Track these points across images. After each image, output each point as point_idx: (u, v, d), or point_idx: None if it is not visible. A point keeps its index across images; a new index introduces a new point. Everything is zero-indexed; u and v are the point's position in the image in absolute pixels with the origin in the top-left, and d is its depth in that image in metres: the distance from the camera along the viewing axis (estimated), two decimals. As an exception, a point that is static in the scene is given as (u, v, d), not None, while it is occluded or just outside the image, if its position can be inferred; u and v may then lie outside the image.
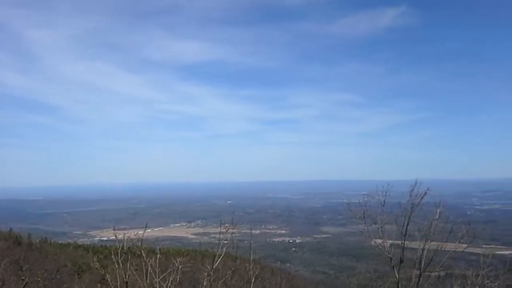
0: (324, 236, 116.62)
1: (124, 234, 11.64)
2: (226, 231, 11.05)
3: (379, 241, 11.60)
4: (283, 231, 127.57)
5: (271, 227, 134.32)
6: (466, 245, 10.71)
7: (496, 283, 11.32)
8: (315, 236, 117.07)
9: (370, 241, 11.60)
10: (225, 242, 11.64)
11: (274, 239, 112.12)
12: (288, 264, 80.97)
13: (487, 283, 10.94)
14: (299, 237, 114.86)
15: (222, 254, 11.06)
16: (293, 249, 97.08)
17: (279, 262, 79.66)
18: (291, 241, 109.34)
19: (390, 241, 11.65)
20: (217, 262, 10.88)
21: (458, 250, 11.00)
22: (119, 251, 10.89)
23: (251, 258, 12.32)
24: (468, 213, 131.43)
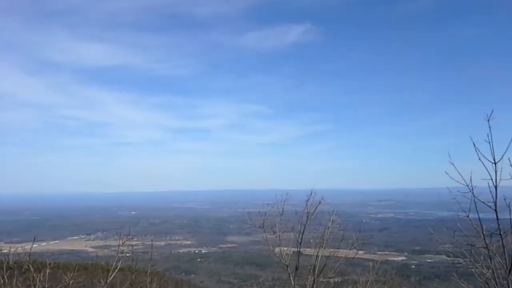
0: (230, 245, 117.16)
1: (10, 248, 10.82)
2: (123, 243, 10.69)
3: (278, 249, 11.91)
4: (189, 242, 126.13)
5: (176, 238, 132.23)
6: (356, 252, 11.36)
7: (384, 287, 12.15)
8: (221, 246, 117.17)
9: (270, 250, 11.86)
10: (127, 255, 11.28)
11: (179, 250, 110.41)
12: (193, 275, 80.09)
13: (376, 287, 11.69)
14: (205, 247, 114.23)
15: (118, 267, 10.67)
16: (199, 259, 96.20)
17: (183, 274, 78.62)
18: (196, 251, 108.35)
19: (287, 249, 11.99)
20: (112, 276, 10.48)
21: (350, 256, 11.63)
22: (4, 266, 10.12)
23: (149, 271, 12.02)
24: (364, 221, 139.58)
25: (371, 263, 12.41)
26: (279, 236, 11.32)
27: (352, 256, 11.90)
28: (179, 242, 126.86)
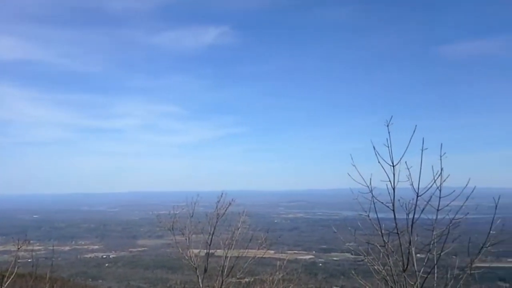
0: (140, 249, 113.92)
1: None
2: (19, 247, 9.96)
3: (188, 251, 11.75)
4: (97, 246, 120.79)
5: (83, 243, 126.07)
6: (265, 251, 11.52)
7: (291, 286, 12.46)
8: (130, 249, 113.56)
9: (179, 252, 11.67)
10: (28, 260, 10.58)
11: (86, 255, 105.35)
12: (101, 281, 76.79)
13: (283, 286, 11.95)
14: (113, 251, 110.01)
15: (14, 273, 9.91)
16: (107, 264, 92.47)
17: (90, 280, 75.12)
18: (104, 256, 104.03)
19: (199, 251, 11.88)
20: (7, 282, 9.71)
21: (258, 256, 11.78)
22: None
23: (48, 276, 11.31)
24: (276, 221, 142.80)
25: (278, 262, 12.65)
26: (189, 238, 11.18)
27: (261, 255, 12.06)
28: (85, 246, 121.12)
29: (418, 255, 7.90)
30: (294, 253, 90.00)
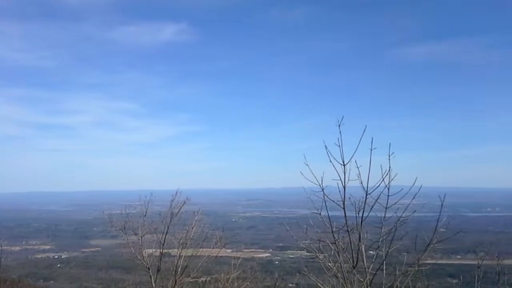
0: (93, 249, 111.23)
1: None
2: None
3: (141, 251, 11.57)
4: (48, 247, 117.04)
5: (34, 243, 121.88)
6: (219, 250, 11.51)
7: (245, 284, 12.50)
8: (83, 250, 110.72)
9: (131, 252, 11.48)
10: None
11: (37, 256, 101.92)
12: (52, 282, 74.50)
13: (238, 284, 11.97)
14: (65, 252, 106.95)
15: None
16: (58, 265, 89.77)
17: (41, 281, 72.76)
18: (56, 256, 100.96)
19: (155, 250, 11.73)
20: None
21: (213, 255, 11.76)
22: None
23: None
24: (233, 220, 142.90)
25: (232, 261, 12.66)
26: (142, 238, 11.01)
27: (216, 254, 12.04)
28: (36, 247, 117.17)
29: (371, 252, 8.11)
30: (251, 251, 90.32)
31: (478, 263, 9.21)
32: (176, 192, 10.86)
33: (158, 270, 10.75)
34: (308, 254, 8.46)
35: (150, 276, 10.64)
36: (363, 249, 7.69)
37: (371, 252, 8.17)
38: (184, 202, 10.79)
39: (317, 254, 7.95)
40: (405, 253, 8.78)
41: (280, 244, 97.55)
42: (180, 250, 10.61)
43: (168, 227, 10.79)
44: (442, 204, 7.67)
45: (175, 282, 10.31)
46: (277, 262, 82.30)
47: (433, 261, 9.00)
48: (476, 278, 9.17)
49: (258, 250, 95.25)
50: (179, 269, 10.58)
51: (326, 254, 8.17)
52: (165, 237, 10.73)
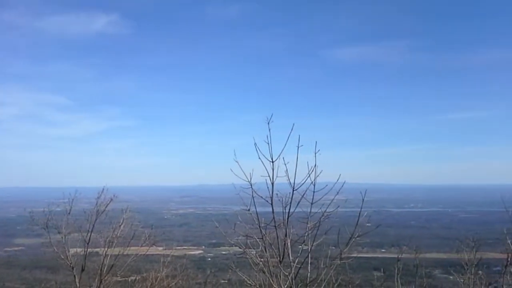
0: (16, 248, 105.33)
1: None
2: None
3: (67, 250, 11.15)
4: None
5: None
6: (148, 248, 11.34)
7: (174, 282, 12.41)
8: (6, 249, 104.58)
9: (54, 252, 11.02)
10: None
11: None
12: (-31, 285, 69.72)
13: (167, 282, 11.85)
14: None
15: None
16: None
17: (-44, 284, 67.95)
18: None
19: (82, 250, 11.33)
20: None
21: (142, 253, 11.56)
22: None
23: None
24: (166, 217, 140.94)
25: (162, 258, 12.52)
26: (65, 236, 10.61)
27: (145, 252, 11.84)
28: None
29: (300, 246, 8.33)
30: (184, 248, 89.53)
31: (398, 256, 9.76)
32: (103, 189, 10.56)
33: (82, 270, 10.41)
34: (240, 250, 8.55)
35: (74, 276, 10.28)
36: (288, 244, 7.90)
37: (301, 247, 8.40)
38: (111, 199, 10.50)
39: (245, 250, 8.07)
40: (333, 247, 9.10)
41: (213, 241, 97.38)
42: (106, 249, 10.33)
43: (93, 225, 10.47)
44: (363, 200, 8.04)
45: (101, 282, 10.03)
46: (209, 259, 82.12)
47: (354, 255, 9.41)
48: (396, 270, 9.70)
49: (190, 247, 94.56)
50: (105, 268, 10.30)
51: (254, 250, 8.30)
52: (90, 235, 10.40)
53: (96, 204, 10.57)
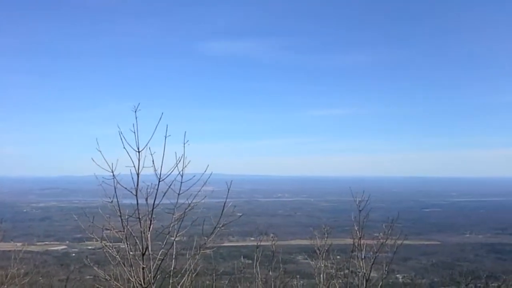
0: None
1: None
2: None
3: None
4: None
5: None
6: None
7: (27, 279, 11.48)
8: None
9: None
10: None
11: None
12: None
13: (18, 280, 10.93)
14: None
15: None
16: None
17: None
18: None
19: None
20: None
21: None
22: None
23: None
24: (25, 211, 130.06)
25: (13, 255, 11.50)
26: None
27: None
28: None
29: (166, 237, 8.19)
30: (45, 244, 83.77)
31: (257, 244, 10.18)
32: None
33: None
34: (108, 244, 8.16)
35: None
36: (148, 236, 7.76)
37: (166, 238, 8.28)
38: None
39: (102, 243, 7.77)
40: (205, 237, 9.13)
41: (78, 235, 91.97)
42: None
43: None
44: (228, 190, 8.19)
45: None
46: (74, 254, 77.56)
47: (229, 244, 9.64)
48: (255, 257, 10.10)
49: (53, 242, 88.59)
50: None
51: (116, 244, 8.02)
52: None
53: None
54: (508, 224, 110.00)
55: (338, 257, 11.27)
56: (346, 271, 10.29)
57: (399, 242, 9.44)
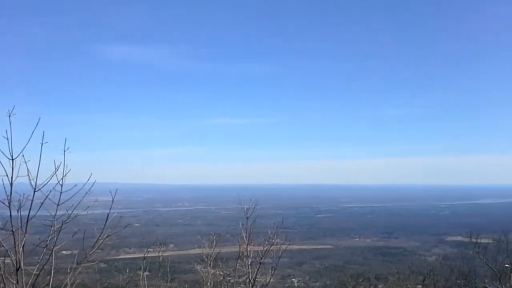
0: None
1: None
2: None
3: None
4: None
5: None
6: None
7: None
8: None
9: None
10: None
11: None
12: None
13: None
14: None
15: None
16: None
17: None
18: None
19: None
20: None
21: None
22: None
23: None
24: None
25: None
26: None
27: None
28: None
29: (43, 251, 7.69)
30: None
31: (144, 255, 9.98)
32: None
33: None
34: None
35: None
36: (20, 250, 7.24)
37: (43, 251, 7.78)
38: None
39: None
40: (99, 250, 8.70)
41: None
42: None
43: None
44: (113, 200, 7.93)
45: None
46: None
47: (125, 256, 9.28)
48: (142, 268, 9.88)
49: None
50: None
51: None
52: None
53: None
54: (394, 229, 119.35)
55: (220, 264, 11.31)
56: (235, 278, 10.44)
57: (283, 247, 9.76)
